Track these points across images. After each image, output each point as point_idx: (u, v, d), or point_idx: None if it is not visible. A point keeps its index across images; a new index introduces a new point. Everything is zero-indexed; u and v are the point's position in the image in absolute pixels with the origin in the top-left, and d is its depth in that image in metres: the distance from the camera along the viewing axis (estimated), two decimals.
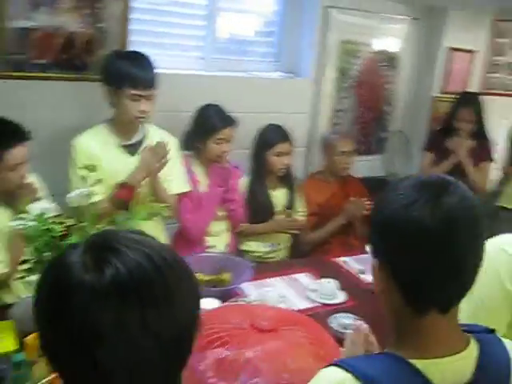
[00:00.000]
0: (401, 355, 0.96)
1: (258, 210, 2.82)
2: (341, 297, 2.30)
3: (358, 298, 2.30)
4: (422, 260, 0.93)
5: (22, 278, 1.69)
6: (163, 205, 2.22)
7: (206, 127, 2.57)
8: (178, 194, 2.50)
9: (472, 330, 1.04)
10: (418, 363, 0.94)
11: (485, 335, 1.05)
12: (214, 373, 1.49)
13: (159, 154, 2.27)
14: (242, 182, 2.83)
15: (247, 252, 2.91)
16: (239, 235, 2.87)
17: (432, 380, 0.93)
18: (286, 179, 2.91)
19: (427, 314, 0.96)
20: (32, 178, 2.23)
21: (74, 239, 1.70)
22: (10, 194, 2.09)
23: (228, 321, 1.64)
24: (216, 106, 2.64)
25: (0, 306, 1.95)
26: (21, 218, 1.70)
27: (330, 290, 2.34)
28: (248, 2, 3.34)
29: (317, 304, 2.28)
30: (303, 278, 2.49)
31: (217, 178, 2.60)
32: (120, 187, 1.87)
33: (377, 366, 0.96)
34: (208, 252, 2.55)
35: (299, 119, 3.46)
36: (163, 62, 3.07)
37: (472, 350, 0.98)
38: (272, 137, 2.80)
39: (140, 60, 2.29)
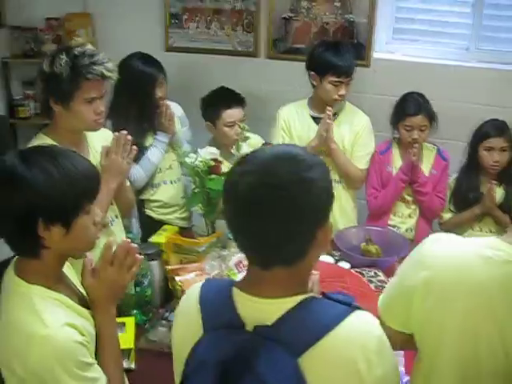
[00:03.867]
0: (238, 284, 1.13)
1: (465, 204, 2.74)
2: None
3: None
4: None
5: None
6: None
7: (398, 113, 2.69)
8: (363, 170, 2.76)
9: (329, 296, 1.12)
10: (236, 294, 1.10)
11: (328, 301, 1.10)
12: None
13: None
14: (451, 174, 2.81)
15: None
16: (444, 226, 2.85)
17: (238, 308, 1.08)
18: (504, 178, 2.70)
19: (252, 266, 1.11)
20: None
21: (214, 176, 2.28)
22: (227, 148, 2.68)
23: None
24: (418, 94, 2.70)
25: None
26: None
27: None
28: None
29: None
30: None
31: (405, 164, 2.69)
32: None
33: (217, 285, 1.19)
34: (378, 227, 2.68)
35: None
36: (424, 51, 3.24)
37: (289, 303, 1.06)
38: (486, 130, 2.66)
39: (342, 50, 2.62)
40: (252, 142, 2.78)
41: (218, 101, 2.74)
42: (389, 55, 3.23)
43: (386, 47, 3.27)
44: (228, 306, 1.09)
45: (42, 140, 2.00)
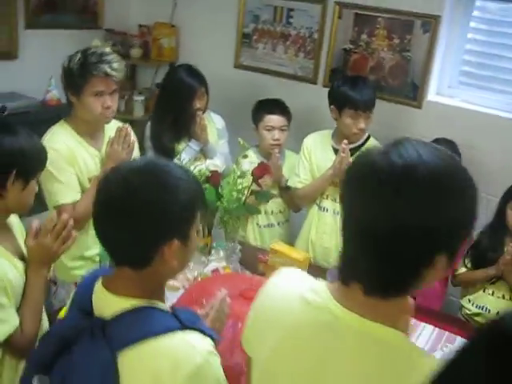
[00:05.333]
0: (104, 276, 1.23)
1: (482, 263, 2.56)
2: None
3: None
4: None
5: None
6: None
7: None
8: None
9: (174, 310, 1.18)
10: (97, 285, 1.21)
11: (166, 314, 1.17)
12: None
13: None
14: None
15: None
16: (455, 280, 2.68)
17: (93, 297, 1.20)
18: None
19: None
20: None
21: (207, 186, 2.39)
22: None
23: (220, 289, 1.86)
24: (446, 141, 2.64)
25: None
26: None
27: None
28: None
29: None
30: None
31: None
32: (259, 165, 2.36)
33: (95, 274, 1.28)
34: None
35: None
36: (484, 100, 3.08)
37: (127, 304, 1.15)
38: None
39: (360, 85, 2.63)
40: (289, 159, 2.91)
41: (264, 106, 2.95)
42: (444, 99, 3.11)
43: (448, 91, 3.15)
44: (88, 293, 1.21)
45: (62, 126, 2.30)
